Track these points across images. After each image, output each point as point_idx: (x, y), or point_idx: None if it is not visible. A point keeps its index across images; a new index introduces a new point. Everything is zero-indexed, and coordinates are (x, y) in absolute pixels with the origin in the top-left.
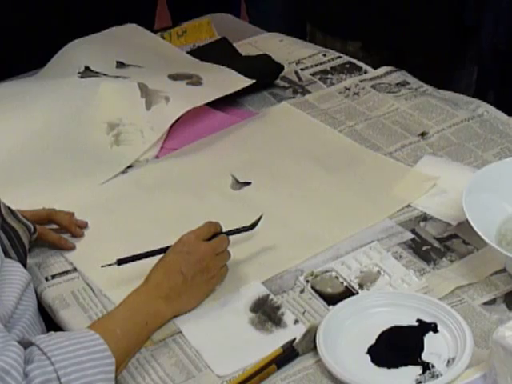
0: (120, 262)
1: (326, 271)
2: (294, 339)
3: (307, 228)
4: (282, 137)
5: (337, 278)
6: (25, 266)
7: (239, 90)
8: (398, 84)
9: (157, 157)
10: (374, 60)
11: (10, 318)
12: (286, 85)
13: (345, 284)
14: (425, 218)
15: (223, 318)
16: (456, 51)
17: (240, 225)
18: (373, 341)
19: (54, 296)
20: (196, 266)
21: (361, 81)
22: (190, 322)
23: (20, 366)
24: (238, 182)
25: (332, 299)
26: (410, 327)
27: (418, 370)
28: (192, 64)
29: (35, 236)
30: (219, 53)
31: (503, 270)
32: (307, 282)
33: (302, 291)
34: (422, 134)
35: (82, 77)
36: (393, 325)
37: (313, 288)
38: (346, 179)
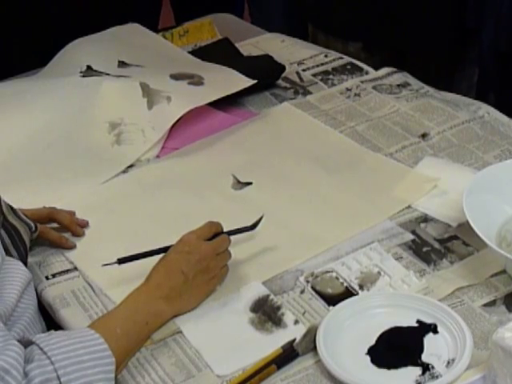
0: (120, 261)
1: (327, 272)
2: (294, 339)
3: (308, 228)
4: (283, 137)
5: (337, 278)
6: (25, 264)
7: (241, 91)
8: (399, 85)
9: (158, 156)
10: (375, 61)
11: (10, 317)
12: (288, 85)
13: (345, 285)
14: (425, 219)
15: (223, 318)
16: (457, 53)
17: (241, 225)
18: (373, 341)
19: (55, 295)
20: (197, 265)
21: (362, 82)
22: (191, 321)
23: (20, 366)
24: (239, 182)
25: (332, 300)
26: (409, 328)
27: (418, 370)
28: (194, 64)
29: (36, 235)
30: (221, 53)
31: (503, 272)
32: (307, 282)
33: (302, 291)
34: (423, 135)
35: (83, 76)
36: (393, 326)
37: (313, 288)
38: (347, 180)
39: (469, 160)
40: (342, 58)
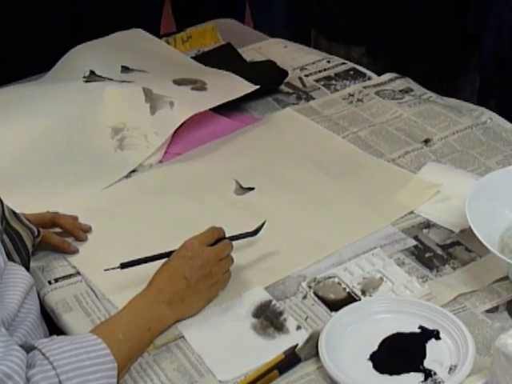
0: (123, 266)
1: (329, 277)
2: (297, 345)
3: (310, 234)
4: (286, 142)
5: (339, 284)
6: (28, 269)
7: (243, 96)
8: (401, 91)
9: (161, 161)
10: (377, 66)
11: (12, 322)
12: (290, 91)
13: (347, 290)
14: (428, 224)
15: (226, 323)
16: (459, 58)
17: (243, 230)
18: (375, 347)
19: (57, 300)
20: (199, 271)
21: (364, 87)
22: (193, 326)
23: (22, 371)
24: (241, 187)
25: (334, 305)
26: (412, 334)
27: (420, 377)
28: (196, 69)
29: (39, 239)
30: (224, 58)
31: (506, 278)
32: (310, 287)
33: (304, 297)
34: (426, 141)
35: (86, 81)
36: (395, 331)
37: (315, 294)
38: (349, 185)
39: (471, 166)
40: (344, 63)
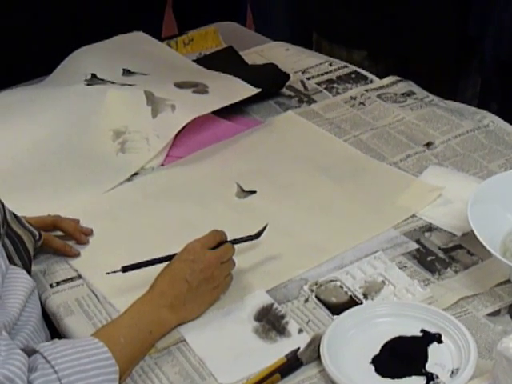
0: (125, 269)
1: (331, 281)
2: (298, 348)
3: (312, 237)
4: (288, 146)
5: (341, 287)
6: (29, 272)
7: (245, 99)
8: (403, 94)
9: (162, 165)
10: (379, 69)
11: (14, 325)
12: (292, 94)
13: (349, 294)
14: (430, 228)
15: (227, 327)
16: (461, 62)
17: (245, 233)
18: (377, 351)
19: (59, 303)
20: (201, 274)
21: (366, 90)
22: (194, 330)
23: (24, 375)
24: (243, 190)
25: (336, 309)
26: (414, 337)
27: (422, 380)
28: (198, 72)
29: (40, 243)
30: (225, 61)
31: (508, 281)
32: (311, 291)
33: (306, 300)
34: (428, 144)
35: (88, 84)
36: (397, 335)
37: (317, 297)
38: (351, 189)
39: (473, 169)
40: (346, 66)
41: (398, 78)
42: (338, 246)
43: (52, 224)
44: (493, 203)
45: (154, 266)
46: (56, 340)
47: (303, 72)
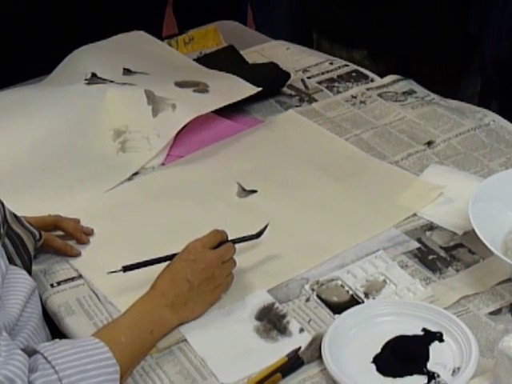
0: (126, 268)
1: (332, 280)
2: (299, 348)
3: (313, 236)
4: (289, 145)
5: (342, 286)
6: (30, 272)
7: (246, 98)
8: (404, 93)
9: (163, 164)
10: (379, 68)
11: (14, 325)
12: (293, 93)
13: (350, 293)
14: (431, 227)
15: (228, 326)
16: (462, 61)
17: (246, 233)
18: (378, 350)
19: (59, 303)
20: (202, 274)
21: (367, 89)
22: (195, 329)
23: (24, 375)
24: (244, 189)
25: (337, 308)
26: (415, 336)
27: (424, 379)
28: (199, 71)
29: (40, 243)
30: (226, 60)
31: (509, 280)
32: (313, 290)
33: (307, 300)
34: (429, 143)
35: (88, 83)
36: (398, 334)
37: (318, 297)
38: (352, 188)
39: (474, 168)
40: (347, 65)
41: (399, 77)
42: (339, 245)
43: (52, 224)
44: (494, 202)
45: (154, 266)
46: (57, 340)
47: (304, 71)
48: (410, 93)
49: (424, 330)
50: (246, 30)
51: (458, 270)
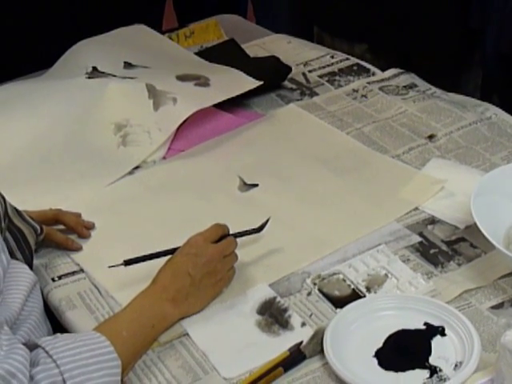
0: (127, 262)
1: (334, 274)
2: (301, 342)
3: (314, 230)
4: (290, 139)
5: (344, 280)
6: (31, 267)
7: (247, 92)
8: (405, 86)
9: (164, 158)
10: (380, 62)
11: (15, 320)
12: (294, 87)
13: (352, 287)
14: (432, 221)
15: (230, 321)
16: (463, 54)
17: (247, 227)
18: (380, 344)
19: (61, 297)
20: (204, 268)
21: (369, 83)
22: (197, 324)
23: (26, 369)
24: (245, 183)
25: (339, 302)
26: (417, 331)
27: (426, 373)
28: (200, 65)
29: (42, 237)
30: (227, 54)
31: (511, 274)
32: (314, 284)
33: (309, 294)
34: (430, 137)
35: (89, 77)
36: (400, 328)
37: (320, 291)
38: (354, 182)
39: (476, 161)
40: (348, 59)
41: (400, 71)
42: (341, 239)
43: (54, 218)
44: (496, 196)
45: (156, 260)
46: (58, 334)
47: (305, 65)
48: (412, 86)
49: (426, 324)
50: (246, 24)
51: (459, 264)
